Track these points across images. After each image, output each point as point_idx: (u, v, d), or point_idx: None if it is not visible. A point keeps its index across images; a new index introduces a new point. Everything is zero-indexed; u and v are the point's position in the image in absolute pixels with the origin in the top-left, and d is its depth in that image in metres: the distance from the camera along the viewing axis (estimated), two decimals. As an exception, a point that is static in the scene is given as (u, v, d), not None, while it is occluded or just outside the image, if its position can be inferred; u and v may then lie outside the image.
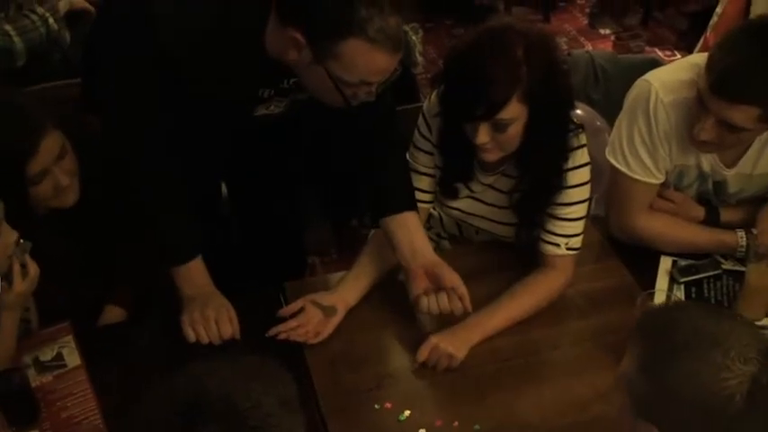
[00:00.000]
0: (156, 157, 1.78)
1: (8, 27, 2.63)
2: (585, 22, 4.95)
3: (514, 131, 1.70)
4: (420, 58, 3.79)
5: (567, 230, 1.87)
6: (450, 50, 1.76)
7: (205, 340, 1.80)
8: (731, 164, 1.97)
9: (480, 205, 1.97)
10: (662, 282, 1.97)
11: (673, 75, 1.94)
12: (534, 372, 1.78)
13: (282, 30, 1.58)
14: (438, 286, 1.78)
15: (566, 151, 1.81)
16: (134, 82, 1.71)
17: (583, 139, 1.84)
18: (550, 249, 1.88)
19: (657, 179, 1.98)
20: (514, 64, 1.64)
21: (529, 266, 1.92)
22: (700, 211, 2.06)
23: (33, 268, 1.63)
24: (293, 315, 1.82)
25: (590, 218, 2.22)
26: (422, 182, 1.95)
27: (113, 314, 1.98)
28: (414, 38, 3.65)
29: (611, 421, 1.58)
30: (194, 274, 1.85)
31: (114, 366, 1.76)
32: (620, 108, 2.02)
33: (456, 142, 1.82)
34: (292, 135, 2.13)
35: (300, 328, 1.80)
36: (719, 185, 2.02)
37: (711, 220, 2.05)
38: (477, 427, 1.65)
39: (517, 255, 1.96)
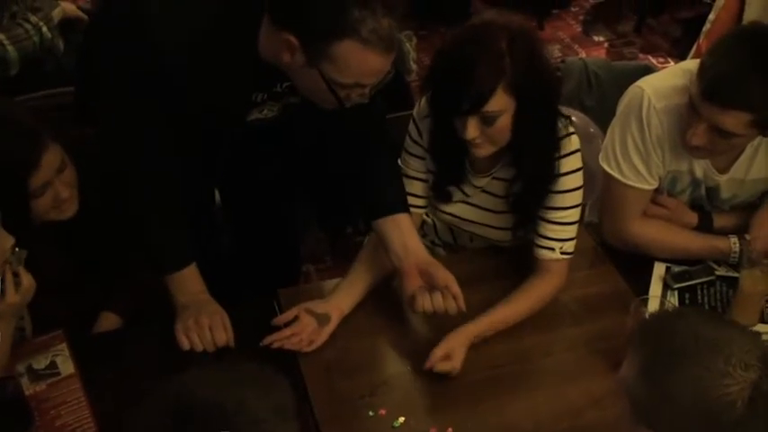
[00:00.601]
0: (151, 161, 1.78)
1: (1, 36, 2.64)
2: (579, 29, 4.96)
3: (503, 124, 1.71)
4: (414, 66, 3.80)
5: (562, 235, 1.88)
6: (436, 51, 1.77)
7: (199, 348, 1.79)
8: (724, 170, 1.97)
9: (474, 210, 1.98)
10: (655, 288, 1.97)
11: (665, 81, 1.95)
12: (528, 378, 1.78)
13: (276, 32, 1.59)
14: (431, 285, 1.78)
15: (556, 140, 1.82)
16: (129, 86, 1.71)
17: (576, 143, 1.84)
18: (545, 254, 1.89)
19: (650, 185, 1.99)
20: (498, 56, 1.65)
21: (524, 273, 1.92)
22: (693, 218, 2.06)
23: (27, 280, 1.62)
24: (287, 324, 1.82)
25: (584, 224, 2.23)
26: (414, 187, 1.96)
27: (108, 321, 1.98)
28: (408, 45, 3.66)
29: (605, 427, 1.59)
30: (188, 282, 1.85)
31: (108, 374, 1.75)
32: (613, 115, 2.02)
33: (447, 143, 1.83)
34: (285, 141, 2.13)
35: (294, 336, 1.80)
36: (712, 191, 2.03)
37: (705, 227, 2.06)
38: (471, 433, 1.65)
39: (512, 261, 1.96)
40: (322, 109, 1.71)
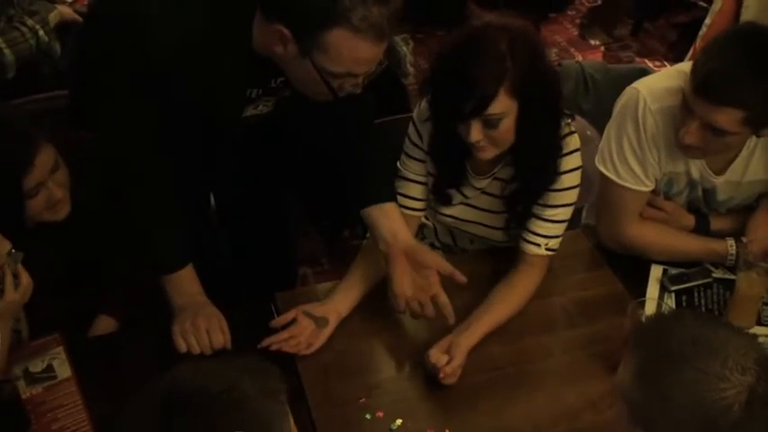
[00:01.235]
0: (148, 161, 1.79)
1: (-2, 39, 2.64)
2: (576, 33, 4.96)
3: (506, 126, 1.71)
4: (411, 69, 3.81)
5: (550, 231, 1.89)
6: (435, 55, 1.77)
7: (196, 350, 1.79)
8: (720, 171, 1.98)
9: (474, 211, 1.98)
10: (653, 290, 1.98)
11: (660, 82, 1.96)
12: (526, 380, 1.77)
13: (268, 25, 1.60)
14: (419, 267, 1.79)
15: (559, 139, 1.82)
16: (127, 86, 1.71)
17: (577, 142, 1.85)
18: (531, 249, 1.90)
19: (647, 187, 1.99)
20: (499, 58, 1.65)
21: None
22: (690, 220, 2.07)
23: (26, 278, 1.63)
24: (285, 326, 1.82)
25: (581, 227, 2.24)
26: (414, 190, 1.96)
27: (105, 324, 1.97)
28: (404, 48, 3.67)
29: (602, 430, 1.59)
30: (185, 284, 1.85)
31: (105, 377, 1.75)
32: (610, 117, 2.02)
33: (447, 147, 1.84)
34: (279, 140, 2.13)
35: (292, 339, 1.80)
36: (709, 193, 2.03)
37: (702, 229, 2.06)
38: (469, 436, 1.65)
39: (512, 263, 1.96)
40: (314, 102, 1.71)
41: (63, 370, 1.74)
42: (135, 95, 1.71)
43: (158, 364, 1.73)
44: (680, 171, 1.99)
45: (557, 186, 1.85)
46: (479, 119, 1.69)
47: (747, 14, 2.76)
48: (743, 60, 1.72)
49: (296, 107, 1.86)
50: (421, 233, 2.13)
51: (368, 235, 1.94)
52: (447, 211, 2.00)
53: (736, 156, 1.95)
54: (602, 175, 2.01)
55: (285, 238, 2.58)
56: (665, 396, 1.18)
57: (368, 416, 1.69)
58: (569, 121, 1.85)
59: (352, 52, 1.58)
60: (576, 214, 2.12)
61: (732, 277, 1.96)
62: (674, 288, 1.97)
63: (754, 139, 1.92)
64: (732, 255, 2.01)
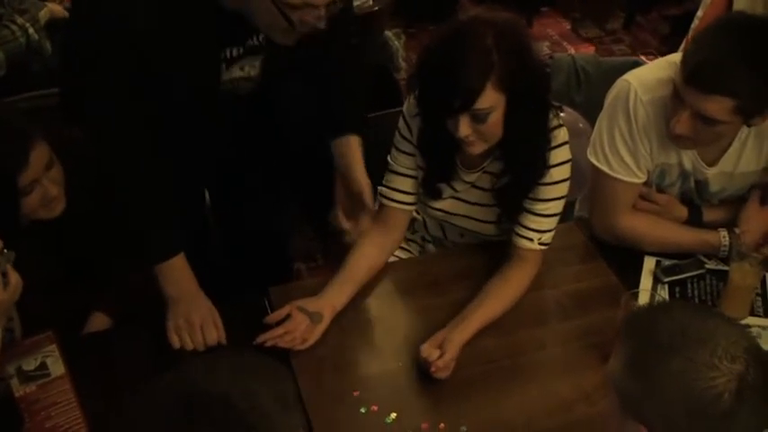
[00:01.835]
0: (136, 147, 1.79)
1: (-12, 38, 2.63)
2: (568, 26, 4.97)
3: (494, 120, 1.71)
4: (403, 64, 3.80)
5: (542, 226, 1.89)
6: (421, 50, 1.77)
7: (190, 346, 1.80)
8: (712, 162, 1.98)
9: (464, 205, 1.98)
10: (646, 282, 1.98)
11: (651, 74, 1.96)
12: (520, 373, 1.78)
13: None
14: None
15: (547, 132, 1.82)
16: (108, 65, 1.71)
17: (565, 135, 1.85)
18: (524, 243, 1.90)
19: (639, 178, 1.99)
20: (485, 52, 1.65)
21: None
22: (683, 211, 2.07)
23: (15, 277, 1.62)
24: (279, 322, 1.82)
25: (574, 219, 2.24)
26: (404, 184, 1.96)
27: (99, 322, 1.97)
28: (396, 43, 3.66)
29: (596, 422, 1.59)
30: (177, 272, 1.85)
31: (99, 375, 1.75)
32: (602, 110, 2.03)
33: (436, 141, 1.83)
34: (271, 114, 2.13)
35: (287, 334, 1.80)
36: (701, 184, 2.03)
37: (694, 220, 2.06)
38: (463, 428, 1.64)
39: (502, 257, 1.96)
40: (284, 45, 1.71)
41: (56, 368, 1.73)
42: (118, 73, 1.71)
43: (152, 362, 1.76)
44: (672, 162, 1.99)
45: (546, 180, 1.85)
46: (467, 113, 1.69)
47: (739, 5, 2.76)
48: (733, 49, 1.72)
49: (283, 74, 1.89)
50: (412, 227, 2.13)
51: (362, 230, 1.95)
52: (437, 204, 2.00)
53: (728, 147, 1.95)
54: (593, 167, 2.01)
55: (279, 234, 2.58)
56: (656, 387, 1.19)
57: (362, 409, 1.69)
58: (558, 113, 1.85)
59: None
60: (570, 207, 2.13)
61: (725, 268, 1.96)
62: (667, 279, 1.98)
63: (745, 130, 1.92)
64: (725, 246, 2.01)
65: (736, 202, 2.08)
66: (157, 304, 1.85)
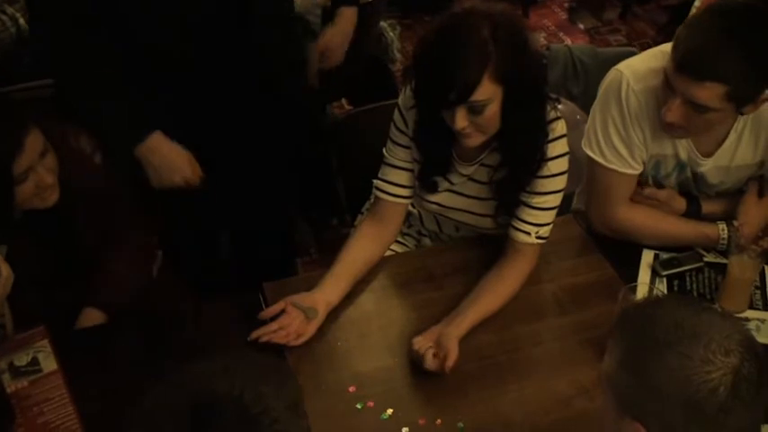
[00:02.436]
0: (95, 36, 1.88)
1: (-22, 27, 2.61)
2: (564, 17, 4.95)
3: (491, 112, 1.70)
4: (398, 55, 3.78)
5: (539, 219, 1.87)
6: (417, 41, 1.75)
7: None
8: (708, 154, 1.96)
9: (460, 198, 1.96)
10: (644, 275, 1.97)
11: (644, 63, 1.94)
12: (517, 368, 1.76)
13: None
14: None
15: (545, 125, 1.81)
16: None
17: (563, 128, 1.83)
18: (521, 237, 1.89)
19: (634, 169, 1.98)
20: (482, 44, 1.64)
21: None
22: (681, 203, 2.05)
23: (5, 270, 1.61)
24: (274, 318, 1.80)
25: (571, 212, 2.22)
26: (400, 177, 1.94)
27: (91, 317, 1.95)
28: (391, 34, 3.64)
29: (593, 417, 1.58)
30: (157, 145, 1.97)
31: (92, 370, 1.73)
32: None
33: (433, 134, 1.82)
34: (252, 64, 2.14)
35: (282, 330, 1.78)
36: (699, 177, 2.02)
37: (693, 212, 2.05)
38: (460, 424, 1.64)
39: (498, 251, 1.94)
40: None
41: (48, 363, 1.72)
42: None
43: (145, 357, 1.74)
44: (667, 153, 1.98)
45: (544, 173, 1.84)
46: (464, 106, 1.68)
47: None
48: (723, 35, 1.70)
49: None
50: (407, 221, 2.11)
51: (356, 223, 1.92)
52: (433, 198, 1.98)
53: (725, 140, 1.94)
54: (589, 158, 2.00)
55: (284, 228, 2.58)
56: (651, 383, 1.18)
57: (359, 405, 1.68)
58: (555, 105, 1.83)
59: None
60: (567, 200, 2.11)
61: (724, 261, 1.95)
62: (665, 273, 1.96)
63: (741, 122, 1.91)
64: (724, 238, 2.00)
65: (734, 195, 2.06)
66: (150, 298, 1.84)
